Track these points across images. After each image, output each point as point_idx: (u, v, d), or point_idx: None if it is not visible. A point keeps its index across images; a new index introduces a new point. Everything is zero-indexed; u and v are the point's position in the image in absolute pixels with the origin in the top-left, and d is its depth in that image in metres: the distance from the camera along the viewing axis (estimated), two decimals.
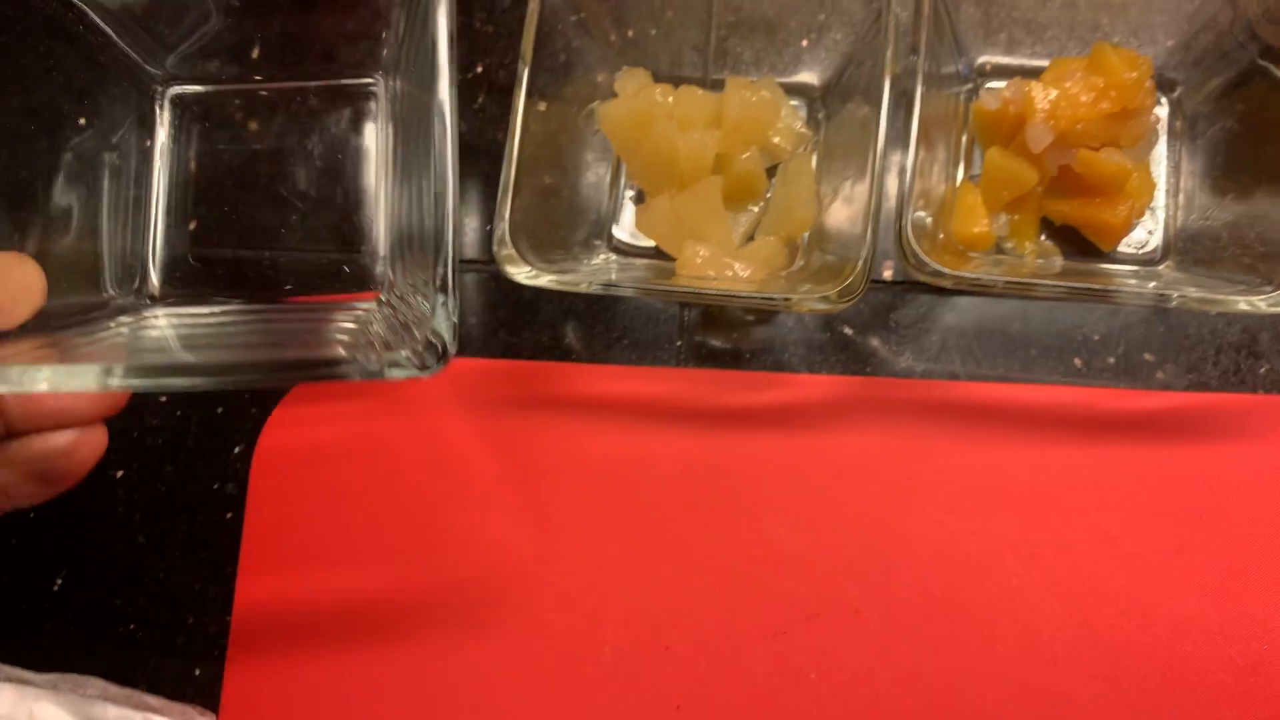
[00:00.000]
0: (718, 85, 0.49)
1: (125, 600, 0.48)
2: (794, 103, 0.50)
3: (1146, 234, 0.47)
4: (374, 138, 0.46)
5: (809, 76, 0.50)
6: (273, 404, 0.49)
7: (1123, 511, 0.45)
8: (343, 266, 0.45)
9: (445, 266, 0.34)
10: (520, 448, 0.48)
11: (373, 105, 0.46)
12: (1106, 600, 0.44)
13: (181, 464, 0.49)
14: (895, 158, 0.43)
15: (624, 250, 0.50)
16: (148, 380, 0.32)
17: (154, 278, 0.44)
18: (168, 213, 0.45)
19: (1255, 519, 0.44)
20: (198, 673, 0.47)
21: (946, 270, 0.41)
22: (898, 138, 0.43)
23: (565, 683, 0.45)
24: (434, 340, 0.33)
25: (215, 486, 0.49)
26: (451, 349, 0.34)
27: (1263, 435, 0.45)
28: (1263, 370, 0.46)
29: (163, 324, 0.44)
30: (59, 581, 0.49)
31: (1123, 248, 0.47)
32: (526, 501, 0.47)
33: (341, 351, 0.39)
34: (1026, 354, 0.47)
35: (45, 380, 0.32)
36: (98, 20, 0.41)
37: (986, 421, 0.46)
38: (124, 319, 0.42)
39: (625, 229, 0.50)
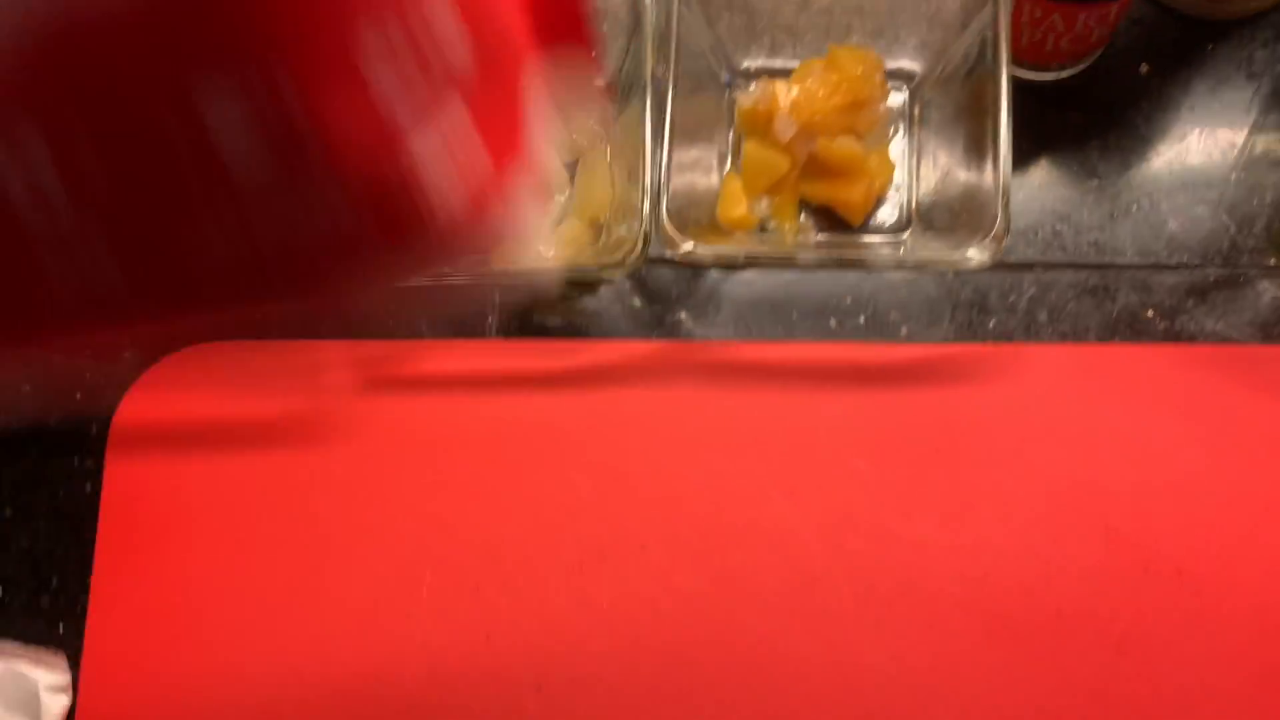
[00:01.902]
0: None
1: None
2: None
3: (893, 209, 0.54)
4: None
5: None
6: (124, 390, 0.55)
7: (870, 451, 0.52)
8: None
9: None
10: (355, 423, 0.54)
11: None
12: (856, 528, 0.51)
13: (45, 443, 0.55)
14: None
15: None
16: None
17: None
18: None
19: (981, 454, 0.51)
20: (61, 629, 0.52)
21: (694, 247, 0.48)
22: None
23: (388, 619, 0.51)
24: None
25: (75, 462, 0.54)
26: None
27: (989, 380, 0.52)
28: (991, 324, 0.53)
29: None
30: None
31: (872, 223, 0.54)
32: (356, 470, 0.53)
33: None
34: (789, 317, 0.54)
35: None
36: None
37: (755, 376, 0.53)
38: None
39: None
